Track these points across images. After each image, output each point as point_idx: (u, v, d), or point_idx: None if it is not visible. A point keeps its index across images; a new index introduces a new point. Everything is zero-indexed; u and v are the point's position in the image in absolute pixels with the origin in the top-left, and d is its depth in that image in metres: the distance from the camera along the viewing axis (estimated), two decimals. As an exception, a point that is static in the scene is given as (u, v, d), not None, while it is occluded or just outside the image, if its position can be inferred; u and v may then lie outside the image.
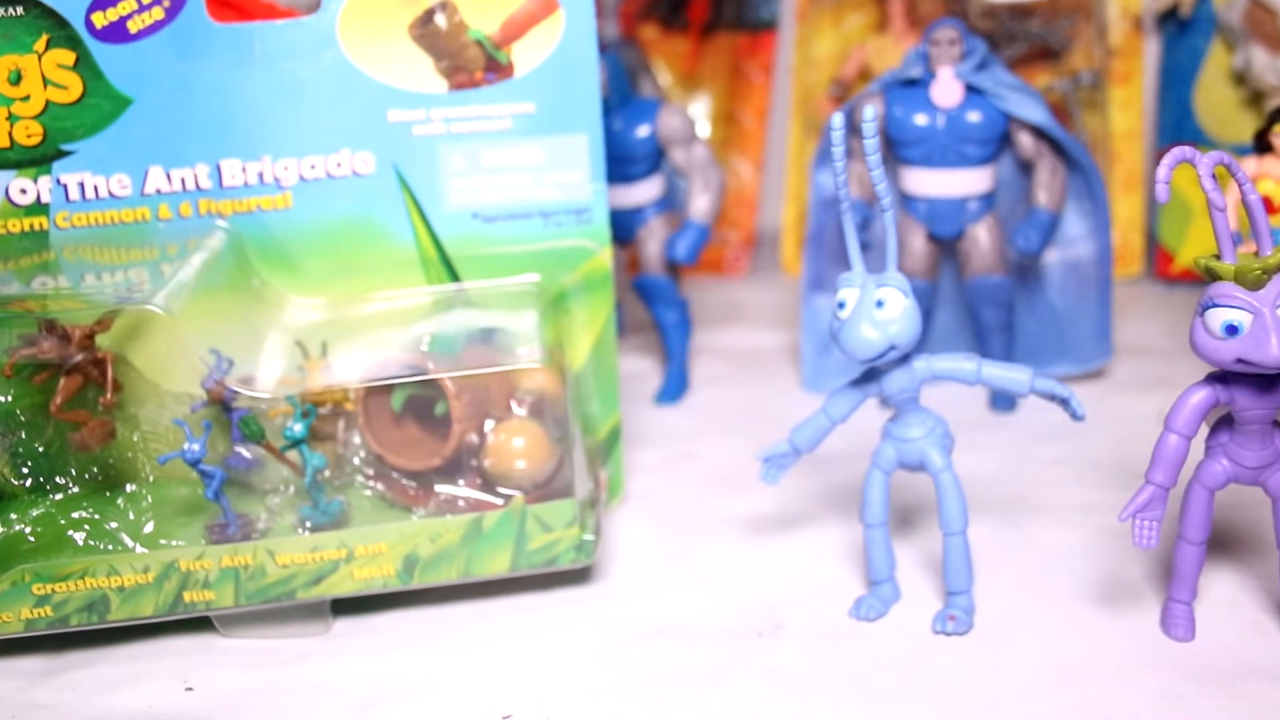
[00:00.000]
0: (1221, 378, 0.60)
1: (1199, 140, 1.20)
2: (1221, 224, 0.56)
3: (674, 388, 0.99)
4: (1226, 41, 1.18)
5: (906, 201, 0.93)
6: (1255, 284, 0.56)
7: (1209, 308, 0.57)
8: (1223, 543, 0.72)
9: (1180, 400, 0.60)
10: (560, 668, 0.65)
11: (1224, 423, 0.62)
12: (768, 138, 1.34)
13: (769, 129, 1.34)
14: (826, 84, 1.27)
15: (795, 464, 0.70)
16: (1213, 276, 0.57)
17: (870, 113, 0.60)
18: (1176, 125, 1.21)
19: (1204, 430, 0.63)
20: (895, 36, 1.24)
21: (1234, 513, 0.73)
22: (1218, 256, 0.57)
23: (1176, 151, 0.56)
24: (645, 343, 1.09)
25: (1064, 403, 0.66)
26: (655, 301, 0.99)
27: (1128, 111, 1.22)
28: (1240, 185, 0.56)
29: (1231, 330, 0.56)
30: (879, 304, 0.62)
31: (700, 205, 0.95)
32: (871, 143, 0.61)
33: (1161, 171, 0.56)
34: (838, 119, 0.61)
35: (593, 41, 0.75)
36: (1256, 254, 0.57)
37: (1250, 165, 0.86)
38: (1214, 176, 0.56)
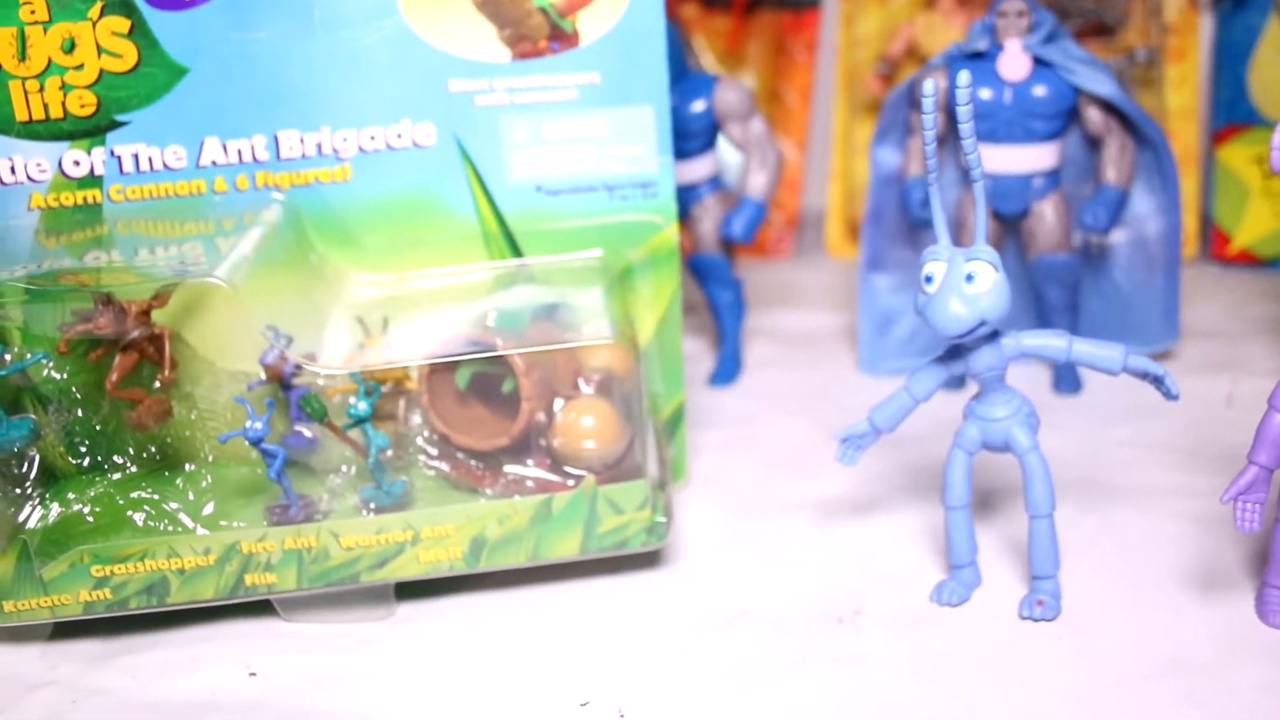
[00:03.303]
0: (1330, 355, 0.57)
1: (1253, 119, 1.18)
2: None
3: (728, 369, 0.97)
4: (1285, 18, 1.16)
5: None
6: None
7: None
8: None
9: (1287, 378, 0.58)
10: (635, 654, 0.63)
11: (1328, 402, 0.60)
12: (812, 118, 1.32)
13: (813, 108, 1.32)
14: (873, 62, 1.24)
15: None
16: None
17: (965, 78, 0.58)
18: (1230, 104, 1.19)
19: None
20: (943, 13, 1.21)
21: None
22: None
23: (1292, 118, 0.53)
24: (695, 323, 1.07)
25: (1158, 381, 0.64)
26: (710, 281, 0.97)
27: (1182, 89, 1.19)
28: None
29: (1346, 304, 0.54)
30: (969, 278, 0.60)
31: (758, 182, 0.93)
32: (966, 109, 0.58)
33: (1276, 138, 0.53)
34: (929, 84, 0.59)
35: (660, 10, 0.72)
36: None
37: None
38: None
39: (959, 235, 0.91)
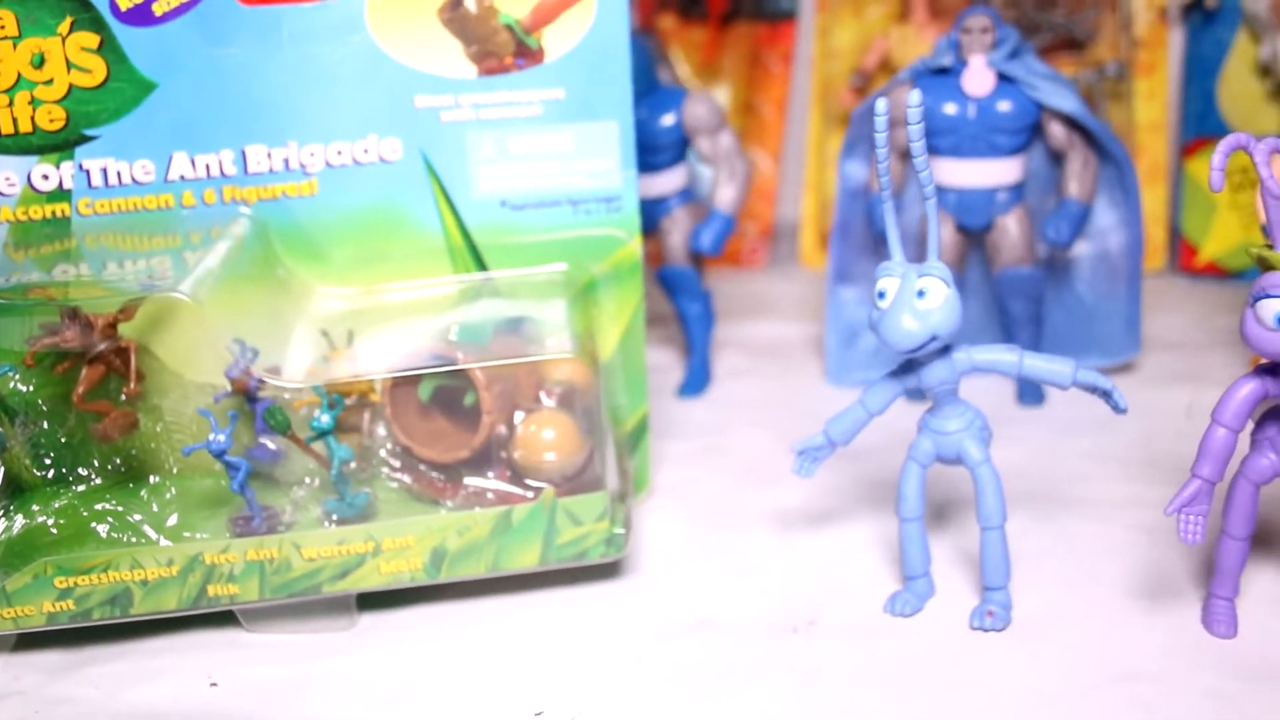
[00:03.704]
0: (1271, 370, 0.59)
1: (1222, 132, 1.19)
2: (1275, 213, 0.55)
3: (697, 380, 0.98)
4: (1252, 32, 1.17)
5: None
6: (1309, 274, 0.55)
7: (1261, 298, 0.56)
8: (1266, 538, 0.70)
9: (1228, 393, 0.59)
10: (592, 664, 0.64)
11: (1271, 416, 0.61)
12: (787, 129, 1.33)
13: (788, 120, 1.33)
14: (847, 75, 1.26)
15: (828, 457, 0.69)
16: (1265, 266, 0.56)
17: (916, 98, 0.59)
18: (1200, 117, 1.20)
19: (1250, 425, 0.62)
20: (917, 26, 1.22)
21: (1276, 507, 0.72)
22: (1270, 246, 0.56)
23: (1231, 138, 0.55)
24: (666, 335, 1.08)
25: (1106, 395, 0.65)
26: (678, 293, 0.97)
27: (1152, 103, 1.20)
28: (1294, 174, 0.55)
29: (1284, 322, 0.55)
30: (920, 294, 0.61)
31: (726, 195, 0.94)
32: (917, 128, 0.59)
33: (1216, 159, 0.54)
34: (882, 104, 0.60)
35: (625, 27, 0.73)
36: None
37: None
38: (1269, 165, 0.55)
39: (924, 250, 0.92)
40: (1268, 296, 0.55)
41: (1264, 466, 0.61)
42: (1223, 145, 0.54)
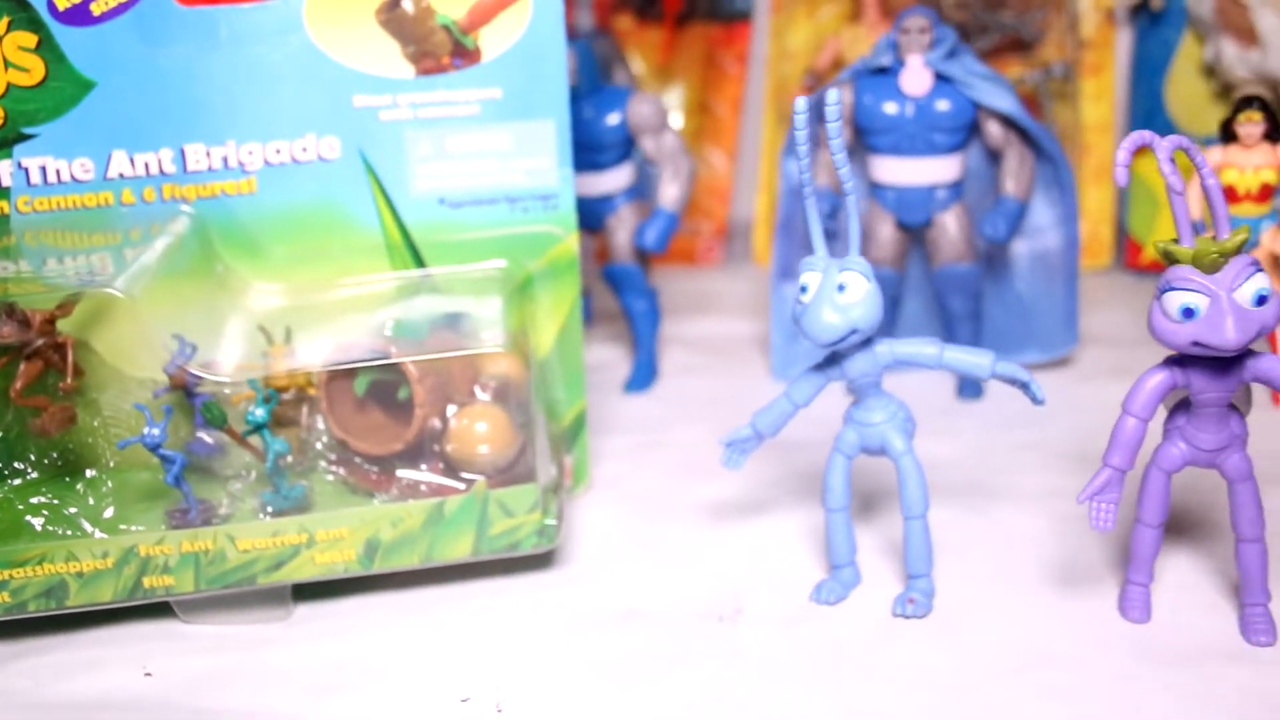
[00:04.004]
0: (1179, 361, 0.60)
1: (1168, 131, 1.20)
2: (1180, 208, 0.56)
3: (643, 376, 0.99)
4: (1198, 34, 1.19)
5: (875, 190, 0.93)
6: (1212, 268, 0.56)
7: (1166, 291, 0.57)
8: (1180, 526, 0.72)
9: (1138, 384, 0.61)
10: (519, 652, 0.65)
11: (1181, 406, 0.62)
12: (742, 128, 1.34)
13: (743, 119, 1.34)
14: (801, 74, 1.27)
15: (759, 449, 0.70)
16: (1171, 260, 0.57)
17: (833, 96, 0.60)
18: (1147, 117, 1.22)
19: (1162, 413, 0.63)
20: (869, 26, 1.24)
21: (1191, 496, 0.74)
22: (1177, 241, 0.57)
23: (1135, 136, 0.56)
24: (615, 332, 1.09)
25: (1024, 387, 0.66)
26: (624, 290, 0.99)
27: (1099, 103, 1.22)
28: (1199, 170, 0.57)
29: (1188, 313, 0.56)
30: (840, 288, 0.62)
31: (670, 193, 0.95)
32: (834, 126, 0.61)
33: (1120, 155, 0.56)
34: (801, 103, 0.61)
35: (560, 27, 0.74)
36: (1214, 238, 0.57)
37: (1216, 155, 0.87)
38: (1173, 161, 0.56)
39: (865, 246, 0.94)
40: (1172, 289, 0.57)
41: (1175, 455, 0.62)
42: (1127, 142, 0.56)
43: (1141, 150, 1.21)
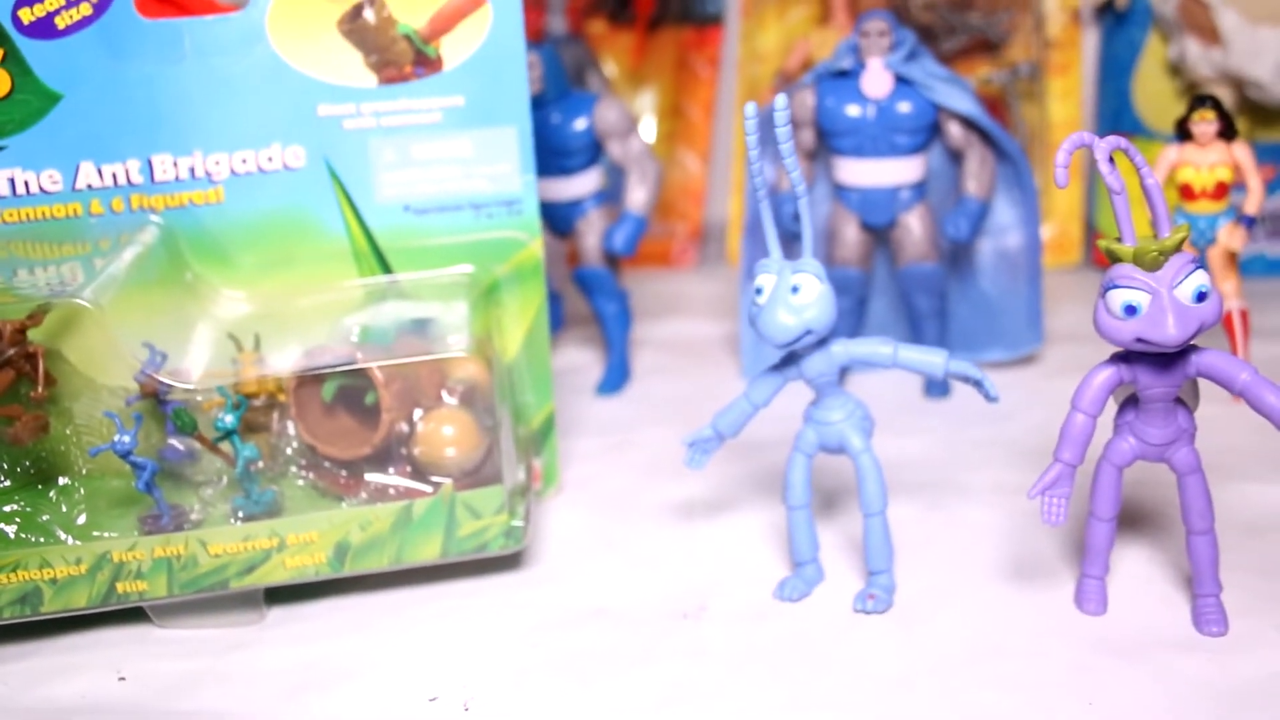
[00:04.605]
0: (1125, 357, 0.61)
1: (1136, 130, 1.22)
2: (1121, 208, 0.58)
3: (615, 378, 1.00)
4: (1162, 33, 1.20)
5: (839, 191, 0.94)
6: (1153, 265, 0.57)
7: (1110, 289, 0.58)
8: (1133, 519, 0.73)
9: (1085, 380, 0.62)
10: (487, 652, 0.66)
11: (1130, 402, 0.63)
12: (714, 131, 1.35)
13: (715, 122, 1.35)
14: (771, 77, 1.28)
15: (725, 449, 0.71)
16: (1113, 258, 0.59)
17: (780, 102, 0.61)
18: (1115, 115, 1.23)
19: (1113, 408, 0.65)
20: (837, 29, 1.25)
21: (1144, 490, 0.75)
22: (1119, 239, 0.59)
23: (1074, 136, 0.57)
24: (587, 335, 1.10)
25: (977, 384, 0.67)
26: (595, 293, 1.00)
27: (1067, 102, 1.23)
28: (1138, 170, 0.58)
29: (1130, 310, 0.57)
30: (794, 289, 0.63)
31: (637, 197, 0.96)
32: (782, 131, 0.62)
33: (1060, 156, 0.57)
34: (750, 108, 0.62)
35: (520, 34, 0.76)
36: (1155, 237, 0.58)
37: (1172, 153, 0.88)
38: (1112, 161, 0.57)
39: (828, 246, 0.95)
40: (1115, 287, 0.58)
41: (1124, 450, 0.63)
42: (1065, 143, 0.57)
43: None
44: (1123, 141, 0.58)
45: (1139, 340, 0.57)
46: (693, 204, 1.33)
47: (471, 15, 0.75)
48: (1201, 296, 0.57)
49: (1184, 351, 0.60)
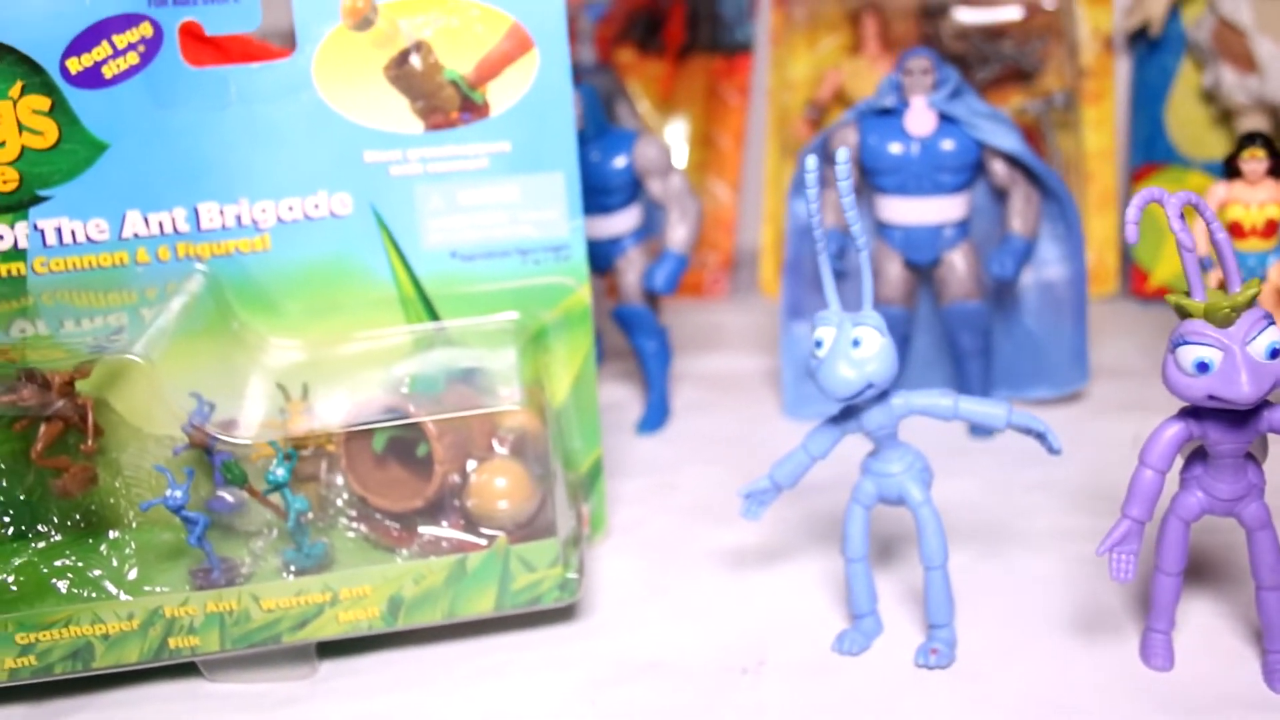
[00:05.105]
0: (1194, 412, 0.60)
1: (1170, 158, 1.22)
2: (1191, 263, 0.57)
3: (655, 417, 0.99)
4: (1196, 60, 1.20)
5: (882, 229, 0.94)
6: (1224, 321, 0.56)
7: (1180, 345, 0.57)
8: (1200, 571, 0.72)
9: (1154, 435, 0.61)
10: (543, 709, 0.65)
11: (1198, 455, 0.63)
12: (745, 159, 1.35)
13: (746, 151, 1.35)
14: (802, 106, 1.27)
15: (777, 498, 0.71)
16: (1183, 314, 0.58)
17: (844, 155, 0.61)
18: (1148, 143, 1.23)
19: (1179, 461, 0.64)
20: (869, 58, 1.24)
21: (1211, 538, 0.74)
22: (1188, 293, 0.58)
23: (1145, 192, 0.56)
24: (625, 370, 1.09)
25: (1040, 437, 0.67)
26: (635, 331, 0.99)
27: (1100, 131, 1.23)
28: (1209, 225, 0.57)
29: (1202, 367, 0.57)
30: (855, 343, 0.63)
31: (678, 235, 0.96)
32: (845, 184, 0.61)
33: (1131, 213, 0.56)
34: (811, 161, 0.62)
35: (567, 79, 0.75)
36: (1225, 290, 0.57)
37: (1220, 191, 0.87)
38: (1182, 216, 0.57)
39: (874, 285, 0.94)
40: (1186, 343, 0.57)
41: (1192, 504, 0.62)
42: (1136, 199, 0.56)
43: (1142, 175, 1.22)
44: (1193, 197, 0.57)
45: (1211, 398, 0.57)
46: (724, 233, 1.32)
47: (518, 60, 0.75)
48: (1275, 353, 0.56)
49: (1256, 407, 0.59)
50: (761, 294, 1.29)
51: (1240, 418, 0.59)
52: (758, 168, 1.35)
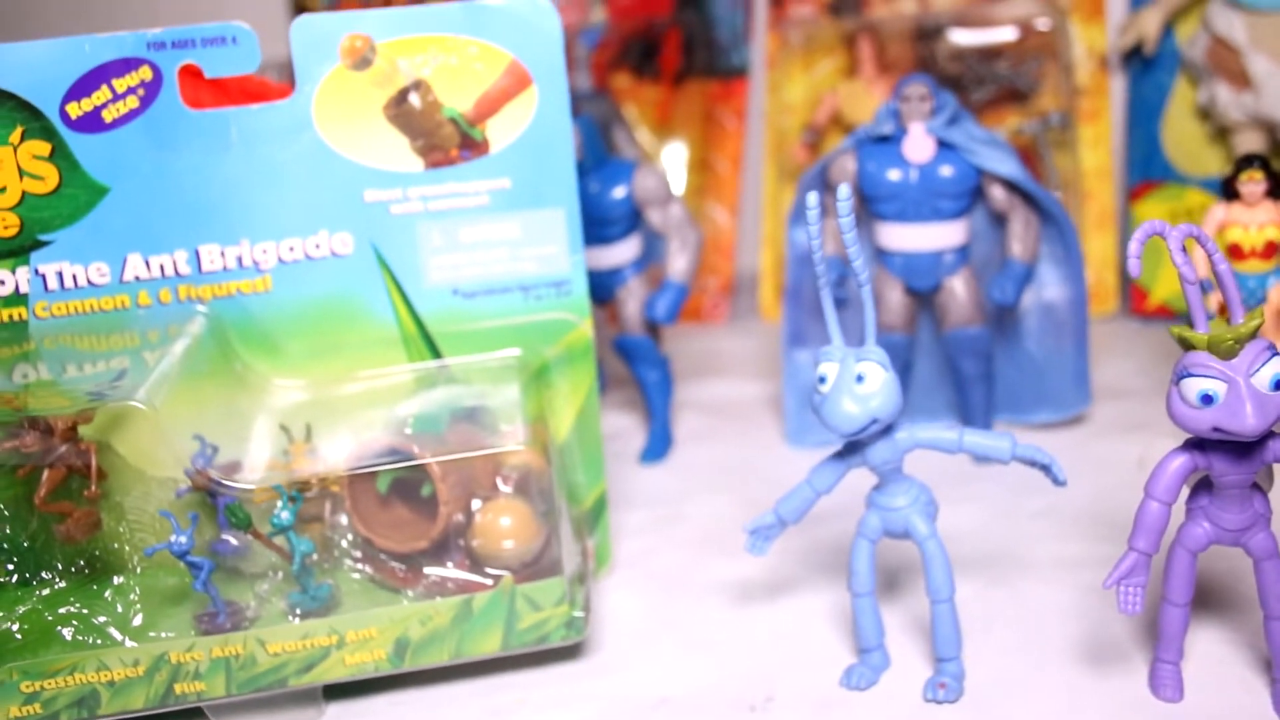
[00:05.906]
0: (1199, 444, 0.60)
1: (1168, 175, 1.22)
2: (1194, 296, 0.57)
3: (658, 446, 0.99)
4: (1190, 78, 1.20)
5: (882, 256, 0.94)
6: (1228, 354, 0.56)
7: (1184, 377, 0.57)
8: (1207, 598, 0.72)
9: (1159, 467, 0.61)
10: (554, 749, 0.65)
11: (1203, 486, 0.63)
12: (743, 183, 1.35)
13: (744, 175, 1.35)
14: (799, 129, 1.28)
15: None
16: (1187, 346, 0.58)
17: (845, 191, 0.61)
18: (1145, 161, 1.23)
19: (1185, 491, 0.64)
20: (865, 81, 1.25)
21: (1218, 564, 0.74)
22: (1191, 325, 0.58)
23: (1147, 225, 0.56)
24: (627, 398, 1.09)
25: (1045, 469, 0.67)
26: (636, 361, 0.99)
27: (1097, 149, 1.23)
28: (1210, 256, 0.57)
29: (1207, 399, 0.57)
30: (859, 378, 0.63)
31: (679, 265, 0.96)
32: (847, 220, 0.61)
33: (1133, 247, 0.56)
34: (812, 198, 0.62)
35: (566, 115, 0.75)
36: (1228, 322, 0.57)
37: (1219, 213, 0.87)
38: (1184, 250, 0.57)
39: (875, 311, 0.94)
40: (1190, 375, 0.57)
41: (1199, 535, 0.62)
42: (1138, 233, 0.56)
43: (1140, 193, 1.22)
44: (1195, 229, 0.57)
45: (1216, 430, 0.57)
46: (723, 258, 1.32)
47: (517, 97, 0.75)
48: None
49: (1261, 438, 0.59)
50: (761, 318, 1.29)
51: (1246, 449, 0.59)
52: (756, 192, 1.35)
